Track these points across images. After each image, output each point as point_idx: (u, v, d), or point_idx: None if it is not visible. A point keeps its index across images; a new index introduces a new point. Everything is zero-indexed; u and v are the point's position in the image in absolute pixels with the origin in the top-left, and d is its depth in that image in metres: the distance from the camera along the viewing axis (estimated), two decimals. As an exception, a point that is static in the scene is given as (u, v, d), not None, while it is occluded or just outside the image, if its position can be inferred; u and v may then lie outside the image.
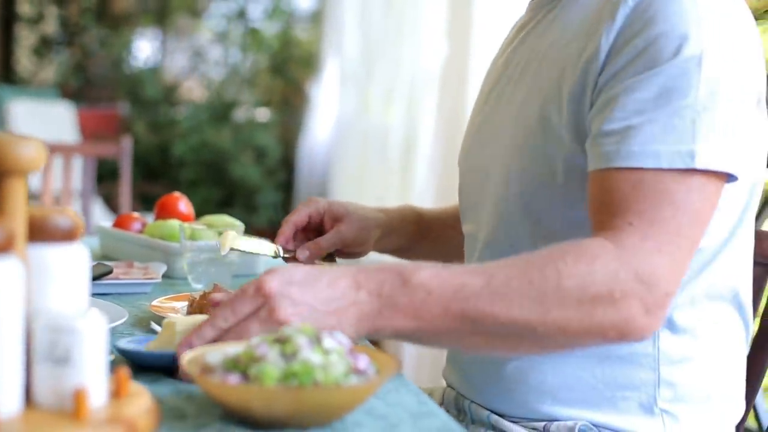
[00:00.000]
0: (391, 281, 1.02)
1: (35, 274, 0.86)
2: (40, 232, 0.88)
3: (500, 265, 1.06)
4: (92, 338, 0.83)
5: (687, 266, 1.09)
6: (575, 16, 1.25)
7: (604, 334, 1.04)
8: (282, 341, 0.92)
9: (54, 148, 3.45)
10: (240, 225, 1.76)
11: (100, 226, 1.90)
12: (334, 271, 1.04)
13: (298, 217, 1.47)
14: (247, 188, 5.71)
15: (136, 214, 1.90)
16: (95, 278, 1.49)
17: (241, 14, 6.40)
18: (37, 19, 7.05)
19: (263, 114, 6.42)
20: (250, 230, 5.89)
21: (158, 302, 1.39)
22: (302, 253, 1.45)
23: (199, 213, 6.26)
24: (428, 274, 1.02)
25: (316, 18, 6.17)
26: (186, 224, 1.68)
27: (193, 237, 1.60)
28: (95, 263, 1.53)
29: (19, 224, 0.84)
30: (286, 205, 5.98)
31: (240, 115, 6.32)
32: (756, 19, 3.39)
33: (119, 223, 1.87)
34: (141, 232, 1.84)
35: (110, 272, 1.53)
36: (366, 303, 1.01)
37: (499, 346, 1.08)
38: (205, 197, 5.71)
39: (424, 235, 1.59)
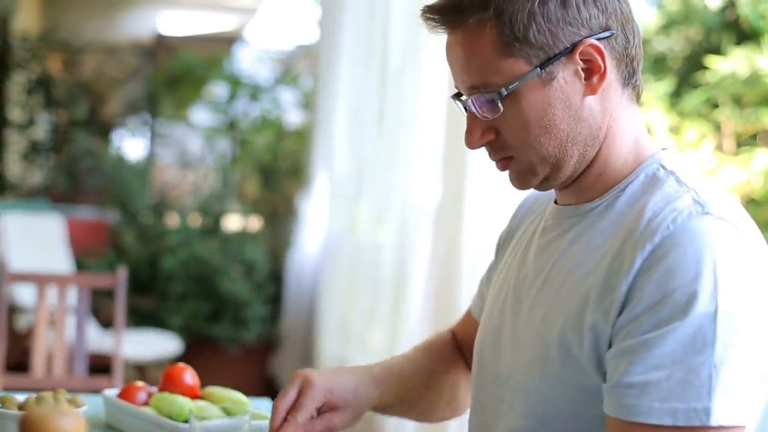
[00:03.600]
0: None
1: None
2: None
3: None
4: None
5: None
6: (599, 240, 1.27)
7: None
8: None
9: (50, 279, 3.47)
10: (246, 401, 1.77)
11: (106, 395, 1.90)
12: None
13: (303, 417, 1.44)
14: (235, 302, 5.71)
15: (140, 383, 1.90)
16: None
17: (232, 125, 6.47)
18: (27, 125, 7.10)
19: (252, 223, 6.44)
20: (239, 346, 5.77)
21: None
22: None
23: (188, 327, 6.14)
24: None
25: (306, 130, 6.24)
26: (195, 404, 1.68)
27: (202, 418, 1.61)
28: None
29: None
30: (274, 319, 5.96)
31: (229, 224, 6.35)
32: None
33: (125, 393, 1.87)
34: (146, 403, 1.85)
35: (120, 463, 1.53)
36: None
37: None
38: (194, 311, 5.70)
39: (403, 402, 1.59)
